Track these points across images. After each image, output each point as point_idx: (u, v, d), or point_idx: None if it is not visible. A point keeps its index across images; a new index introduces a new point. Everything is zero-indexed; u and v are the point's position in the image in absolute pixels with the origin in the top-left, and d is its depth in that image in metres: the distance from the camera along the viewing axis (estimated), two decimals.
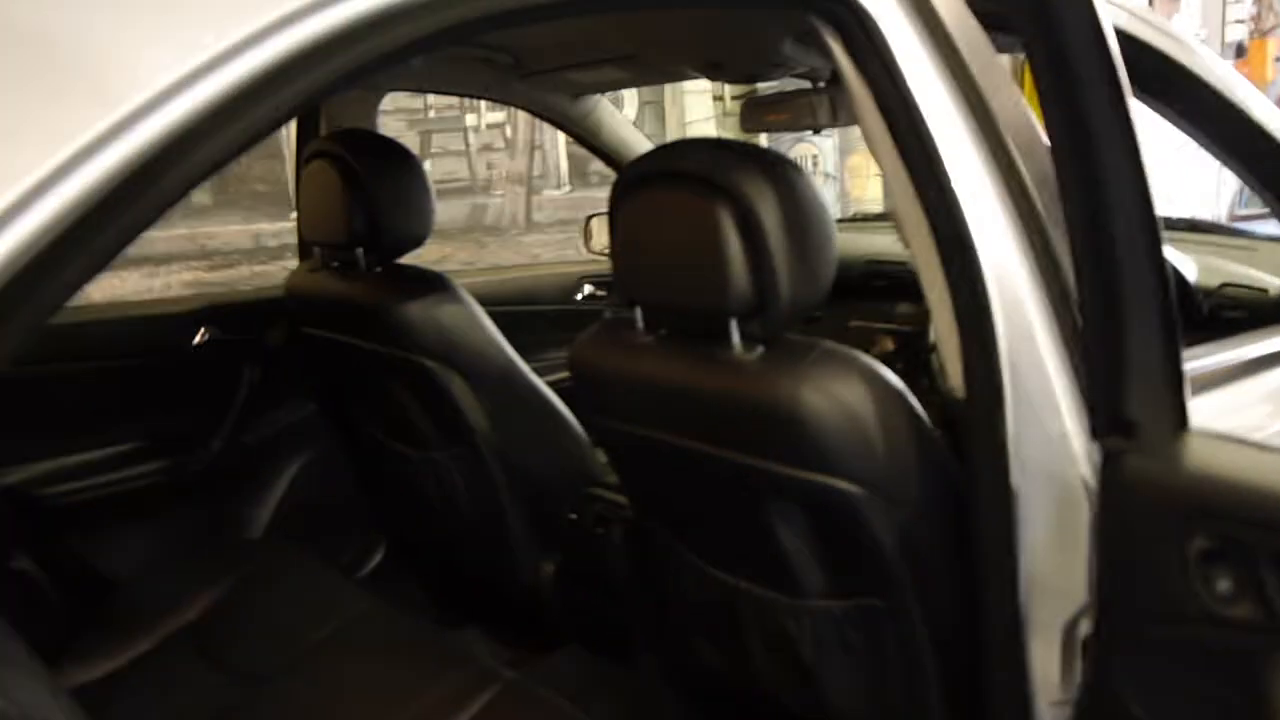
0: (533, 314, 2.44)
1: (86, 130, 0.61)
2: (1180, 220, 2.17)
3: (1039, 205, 1.05)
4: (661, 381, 1.25)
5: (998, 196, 1.05)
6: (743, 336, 1.15)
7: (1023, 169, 1.05)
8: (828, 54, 1.07)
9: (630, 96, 6.22)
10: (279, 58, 0.67)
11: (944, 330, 1.09)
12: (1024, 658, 1.11)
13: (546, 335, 2.34)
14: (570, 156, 6.62)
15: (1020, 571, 1.08)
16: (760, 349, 1.15)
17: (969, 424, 1.09)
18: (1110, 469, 1.02)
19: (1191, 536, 0.97)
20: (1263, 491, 0.95)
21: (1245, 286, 1.80)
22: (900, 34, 1.04)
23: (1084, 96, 0.94)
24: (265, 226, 5.35)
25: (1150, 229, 0.96)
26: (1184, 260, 1.90)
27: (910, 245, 1.09)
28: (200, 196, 5.68)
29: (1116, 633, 1.05)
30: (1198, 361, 1.25)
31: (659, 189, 1.19)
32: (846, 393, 1.09)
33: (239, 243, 5.42)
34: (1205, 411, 1.06)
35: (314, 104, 1.92)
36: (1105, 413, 1.02)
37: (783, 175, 1.12)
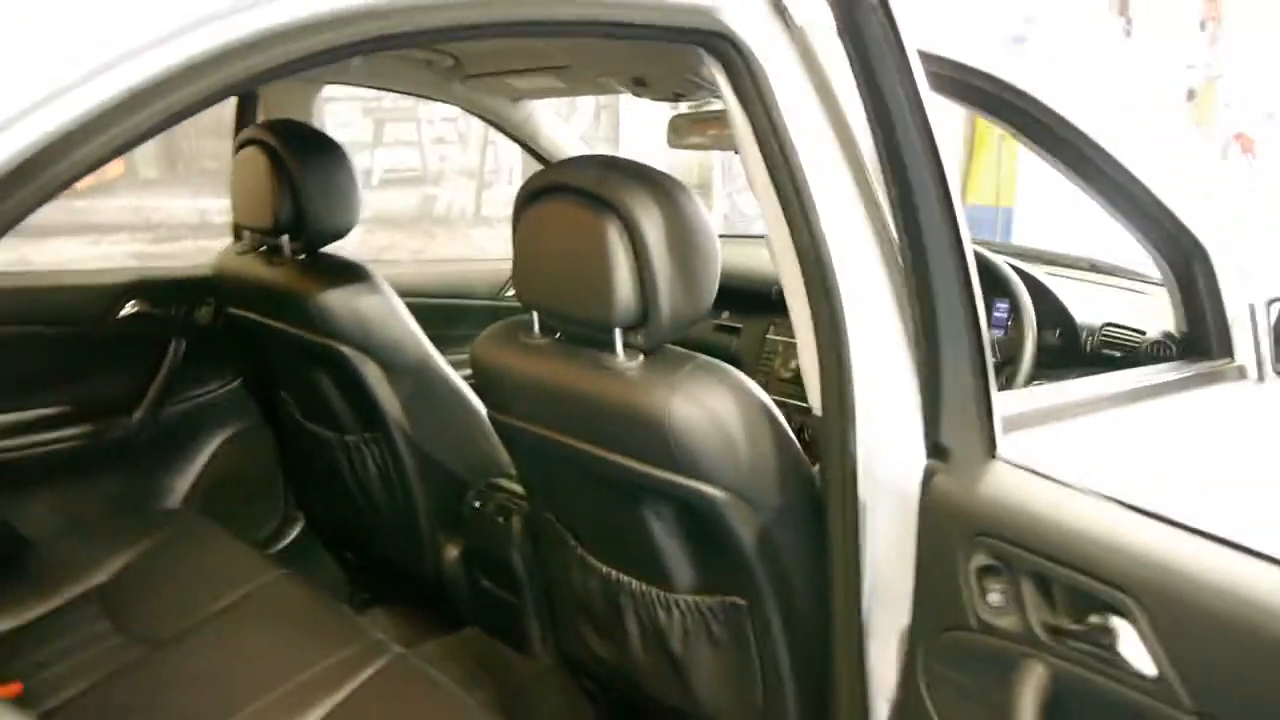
0: (460, 308, 2.47)
1: None
2: (1082, 259, 2.26)
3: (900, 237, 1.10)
4: (552, 383, 1.30)
5: (863, 227, 1.11)
6: (625, 346, 1.20)
7: (886, 202, 1.10)
8: (715, 86, 1.12)
9: (585, 101, 6.20)
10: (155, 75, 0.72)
11: (805, 348, 1.16)
12: (864, 660, 1.18)
13: (471, 329, 2.31)
14: (524, 156, 6.59)
15: (864, 580, 1.15)
16: (640, 359, 1.21)
17: (823, 439, 1.16)
18: (925, 488, 1.10)
19: (974, 552, 1.06)
20: (1029, 516, 1.03)
21: (1125, 328, 1.90)
22: (781, 72, 1.09)
23: (901, 145, 1.02)
24: (211, 203, 5.31)
25: (961, 265, 1.03)
26: (1075, 297, 2.00)
27: (779, 267, 1.15)
28: (147, 170, 5.60)
29: (920, 637, 1.14)
30: (1049, 392, 1.34)
31: (553, 201, 1.23)
32: (715, 403, 1.16)
33: (184, 217, 5.37)
34: (1046, 442, 1.13)
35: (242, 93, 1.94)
36: (928, 437, 1.11)
37: (669, 193, 1.17)
